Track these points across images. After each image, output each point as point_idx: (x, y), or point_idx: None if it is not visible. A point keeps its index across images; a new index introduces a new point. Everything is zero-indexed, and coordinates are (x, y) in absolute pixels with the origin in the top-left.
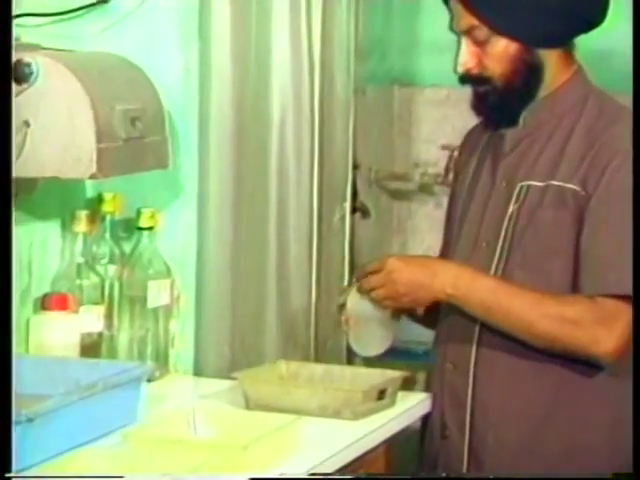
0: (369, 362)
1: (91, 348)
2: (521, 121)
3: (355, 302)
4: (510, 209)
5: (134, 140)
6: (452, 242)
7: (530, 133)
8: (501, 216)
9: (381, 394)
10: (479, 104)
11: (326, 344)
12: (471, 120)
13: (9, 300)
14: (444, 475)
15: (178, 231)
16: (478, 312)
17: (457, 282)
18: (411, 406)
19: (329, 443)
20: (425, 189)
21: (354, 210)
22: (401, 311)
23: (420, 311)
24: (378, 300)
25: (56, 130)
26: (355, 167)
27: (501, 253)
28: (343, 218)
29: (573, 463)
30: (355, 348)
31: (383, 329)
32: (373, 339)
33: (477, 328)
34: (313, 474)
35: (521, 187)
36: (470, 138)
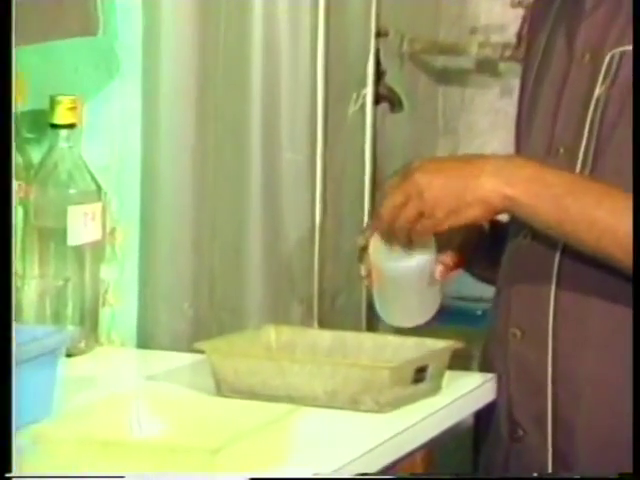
0: (401, 327)
1: None
2: None
3: (380, 244)
4: (596, 92)
5: None
6: (520, 147)
7: None
8: (584, 103)
9: (419, 374)
10: None
11: (335, 300)
12: None
13: (9, 298)
14: (535, 475)
15: (114, 130)
16: (550, 221)
17: (517, 179)
18: (465, 393)
19: (340, 446)
20: (486, 67)
21: (378, 99)
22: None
23: (485, 227)
24: (401, 223)
25: None
26: (380, 34)
27: (585, 158)
28: (362, 110)
29: None
30: (382, 314)
31: (422, 287)
32: (407, 302)
33: (556, 260)
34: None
35: (612, 56)
36: None
